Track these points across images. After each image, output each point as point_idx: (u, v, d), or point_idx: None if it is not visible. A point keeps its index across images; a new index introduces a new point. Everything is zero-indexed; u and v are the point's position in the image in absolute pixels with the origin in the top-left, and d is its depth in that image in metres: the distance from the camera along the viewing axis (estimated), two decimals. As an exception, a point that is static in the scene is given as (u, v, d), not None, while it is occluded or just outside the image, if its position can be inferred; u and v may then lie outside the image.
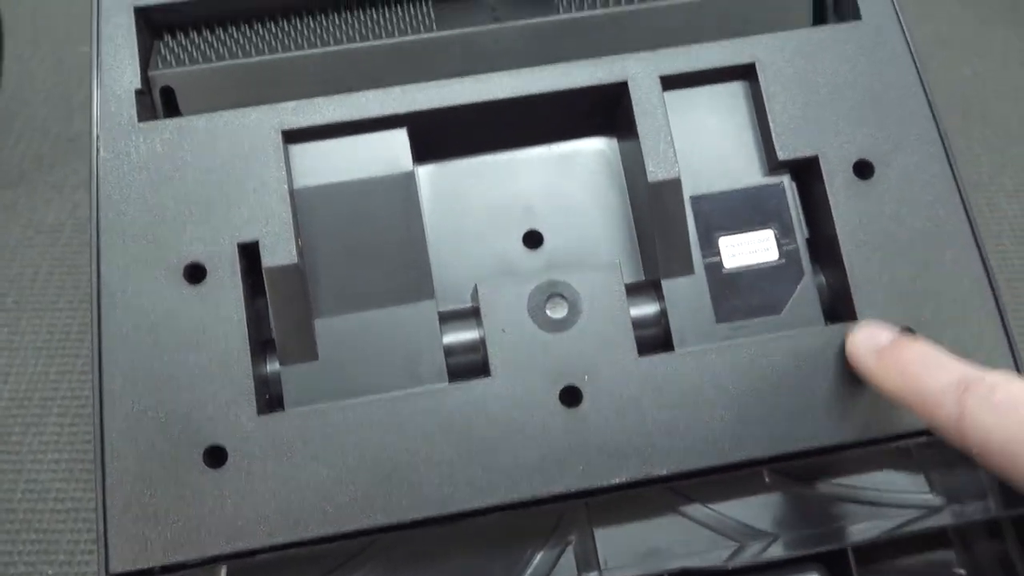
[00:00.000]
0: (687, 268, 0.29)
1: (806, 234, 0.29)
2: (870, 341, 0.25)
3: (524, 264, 0.30)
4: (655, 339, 0.28)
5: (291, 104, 0.28)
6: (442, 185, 0.30)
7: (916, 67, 0.30)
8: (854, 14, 0.30)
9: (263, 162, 0.28)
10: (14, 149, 0.47)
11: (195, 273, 0.27)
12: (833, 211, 0.28)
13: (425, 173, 0.30)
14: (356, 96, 0.29)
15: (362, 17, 0.30)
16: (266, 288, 0.27)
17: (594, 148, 0.31)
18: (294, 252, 0.27)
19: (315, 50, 0.29)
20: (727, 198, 0.29)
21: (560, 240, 0.30)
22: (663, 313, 0.28)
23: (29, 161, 0.47)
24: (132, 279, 0.27)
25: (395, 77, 0.29)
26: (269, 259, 0.27)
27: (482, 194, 0.30)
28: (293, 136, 0.28)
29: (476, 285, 0.28)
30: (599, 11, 0.30)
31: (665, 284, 0.28)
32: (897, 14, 0.30)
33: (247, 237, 0.27)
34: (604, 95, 0.29)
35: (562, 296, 0.28)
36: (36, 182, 0.46)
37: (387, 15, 0.30)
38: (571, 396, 0.26)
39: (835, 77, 0.29)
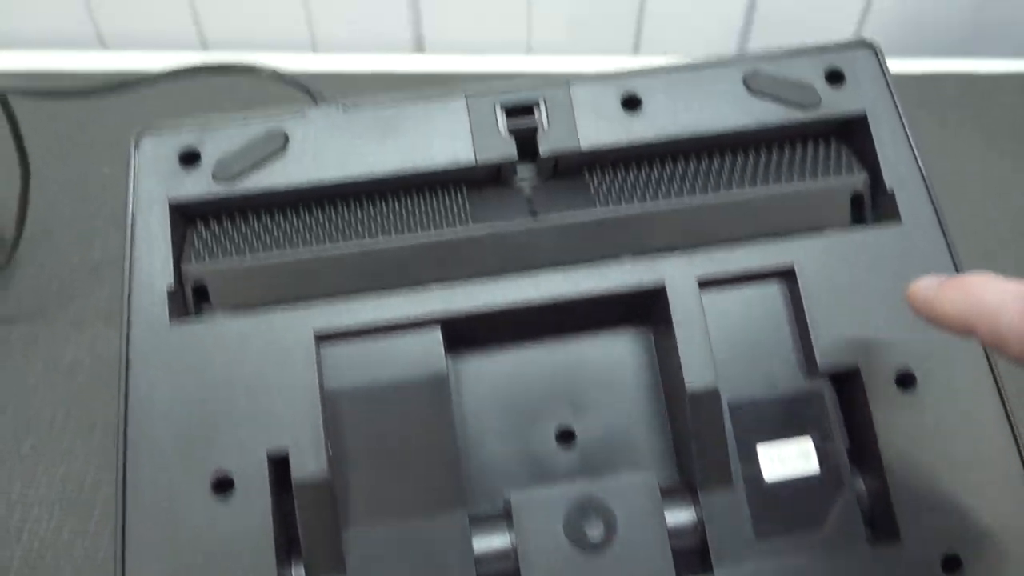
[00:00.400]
0: (725, 479, 0.28)
1: (846, 443, 0.29)
2: (932, 279, 0.25)
3: (557, 464, 0.29)
4: (692, 550, 0.28)
5: (324, 306, 0.28)
6: (475, 377, 0.30)
7: (958, 272, 0.29)
8: (894, 216, 0.30)
9: (294, 366, 0.27)
10: (36, 279, 0.47)
11: (223, 486, 0.26)
12: (875, 423, 0.28)
13: (458, 364, 0.30)
14: (390, 298, 0.28)
15: (397, 207, 0.30)
16: (295, 501, 0.26)
17: (628, 339, 0.30)
18: (324, 464, 0.26)
19: (348, 248, 0.29)
20: (766, 405, 0.29)
21: (594, 435, 0.30)
22: (700, 522, 0.28)
23: (50, 293, 0.46)
24: (158, 488, 0.26)
25: (429, 273, 0.29)
26: (299, 472, 0.26)
27: (515, 386, 0.30)
28: (326, 338, 0.28)
29: (510, 495, 0.27)
30: (636, 207, 0.30)
31: (702, 495, 0.28)
32: (938, 217, 0.30)
33: (277, 446, 0.26)
34: (640, 296, 0.29)
35: (597, 513, 0.27)
36: (56, 316, 0.45)
37: (422, 206, 0.30)
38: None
39: (875, 282, 0.29)
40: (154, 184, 0.29)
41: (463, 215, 0.30)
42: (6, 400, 0.42)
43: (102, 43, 0.68)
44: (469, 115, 0.30)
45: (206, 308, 0.29)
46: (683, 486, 0.29)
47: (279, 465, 0.27)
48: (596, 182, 0.30)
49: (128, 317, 0.28)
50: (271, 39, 0.67)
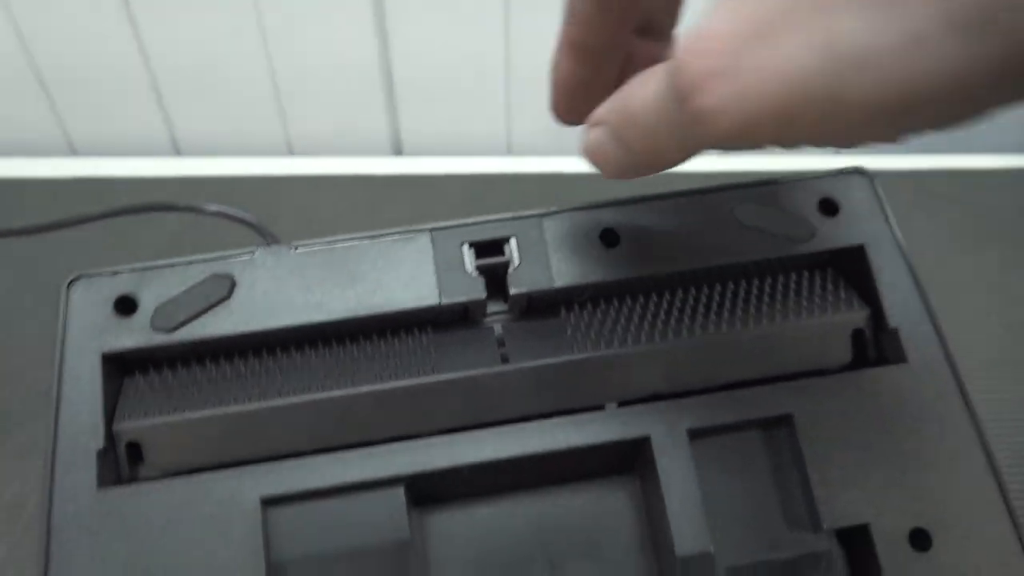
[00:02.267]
0: (724, 656, 0.25)
1: (859, 613, 0.26)
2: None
3: (536, 639, 0.26)
4: None
5: (273, 466, 0.25)
6: (445, 536, 0.27)
7: (972, 418, 0.26)
8: (899, 355, 0.27)
9: (238, 537, 0.24)
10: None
11: None
12: (888, 590, 0.25)
13: (425, 522, 0.27)
14: (347, 457, 0.25)
15: (355, 354, 0.27)
16: None
17: (613, 489, 0.28)
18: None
19: (299, 399, 0.26)
20: (767, 569, 0.26)
21: (576, 602, 0.26)
22: None
23: (-2, 418, 0.43)
24: None
25: (391, 425, 0.26)
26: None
27: (488, 546, 0.27)
28: (273, 502, 0.25)
29: None
30: (617, 349, 0.27)
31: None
32: (947, 354, 0.27)
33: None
34: (624, 447, 0.26)
35: None
36: (1, 445, 0.42)
37: (382, 351, 0.28)
38: None
39: (882, 430, 0.26)
40: (86, 333, 0.26)
41: (427, 361, 0.27)
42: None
43: (72, 150, 0.66)
44: (434, 253, 0.27)
45: (141, 469, 0.26)
46: None
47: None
48: (573, 321, 0.28)
49: (51, 481, 0.25)
50: (246, 142, 0.66)
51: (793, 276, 0.28)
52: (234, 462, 0.26)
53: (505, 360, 0.27)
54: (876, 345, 0.28)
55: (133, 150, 0.65)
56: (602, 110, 0.22)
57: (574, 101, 0.26)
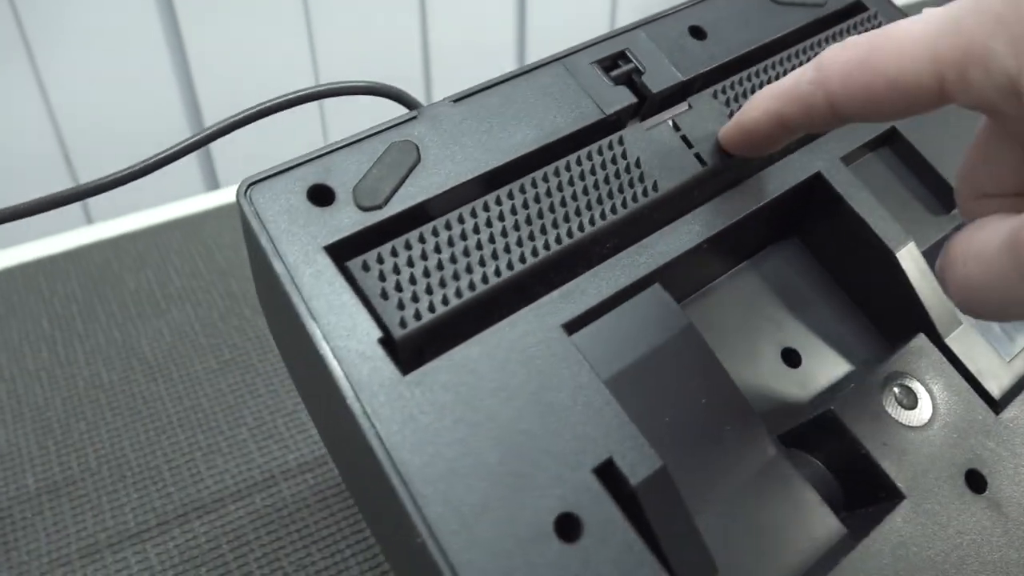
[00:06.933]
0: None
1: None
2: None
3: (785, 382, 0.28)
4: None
5: (546, 301, 0.24)
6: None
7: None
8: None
9: (561, 366, 0.23)
10: None
11: (568, 525, 0.21)
12: None
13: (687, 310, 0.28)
14: (601, 270, 0.25)
15: (569, 180, 0.27)
16: (644, 508, 0.22)
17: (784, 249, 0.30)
18: (654, 454, 0.22)
19: (553, 248, 0.25)
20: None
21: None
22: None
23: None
24: (497, 563, 0.20)
25: (629, 236, 0.26)
26: (635, 473, 0.22)
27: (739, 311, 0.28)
28: (572, 326, 0.24)
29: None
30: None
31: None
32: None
33: (598, 459, 0.22)
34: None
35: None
36: None
37: (592, 170, 0.27)
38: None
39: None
40: (295, 233, 0.23)
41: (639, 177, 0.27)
42: None
43: None
44: (575, 78, 0.28)
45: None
46: None
47: (609, 477, 0.22)
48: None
49: (354, 395, 0.21)
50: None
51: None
52: (504, 317, 0.24)
53: (700, 159, 0.28)
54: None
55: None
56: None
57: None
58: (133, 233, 0.57)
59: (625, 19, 1.05)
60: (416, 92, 0.95)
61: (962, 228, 0.21)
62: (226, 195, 0.62)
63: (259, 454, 0.41)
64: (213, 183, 0.90)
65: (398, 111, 0.27)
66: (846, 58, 0.22)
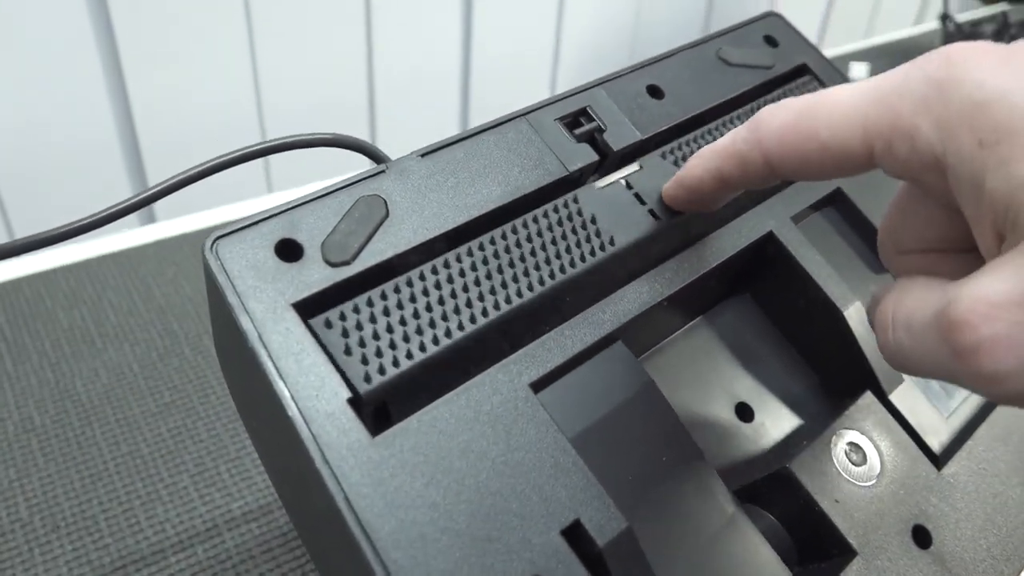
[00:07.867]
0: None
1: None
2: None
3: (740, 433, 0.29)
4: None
5: (512, 360, 0.24)
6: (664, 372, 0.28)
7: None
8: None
9: (529, 426, 0.23)
10: None
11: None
12: None
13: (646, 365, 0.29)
14: (566, 329, 0.26)
15: (517, 240, 0.27)
16: (610, 570, 0.22)
17: (737, 305, 0.31)
18: (619, 515, 0.22)
19: (517, 300, 0.25)
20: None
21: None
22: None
23: None
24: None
25: (589, 296, 0.27)
26: (601, 535, 0.22)
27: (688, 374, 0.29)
28: (538, 385, 0.24)
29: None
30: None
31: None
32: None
33: (566, 521, 0.22)
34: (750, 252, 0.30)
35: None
36: None
37: (548, 228, 0.27)
38: None
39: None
40: (261, 289, 0.23)
41: (596, 232, 0.28)
42: None
43: None
44: (539, 134, 0.28)
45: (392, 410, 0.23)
46: None
47: (576, 539, 0.22)
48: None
49: (320, 454, 0.21)
50: None
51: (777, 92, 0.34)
52: (470, 373, 0.24)
53: (654, 215, 0.28)
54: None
55: None
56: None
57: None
58: (66, 267, 0.55)
59: (569, 47, 1.06)
60: (360, 123, 0.95)
61: (889, 287, 0.22)
62: (164, 229, 0.61)
63: (201, 502, 0.40)
64: (149, 217, 0.88)
65: (344, 158, 0.27)
66: (781, 120, 0.23)
